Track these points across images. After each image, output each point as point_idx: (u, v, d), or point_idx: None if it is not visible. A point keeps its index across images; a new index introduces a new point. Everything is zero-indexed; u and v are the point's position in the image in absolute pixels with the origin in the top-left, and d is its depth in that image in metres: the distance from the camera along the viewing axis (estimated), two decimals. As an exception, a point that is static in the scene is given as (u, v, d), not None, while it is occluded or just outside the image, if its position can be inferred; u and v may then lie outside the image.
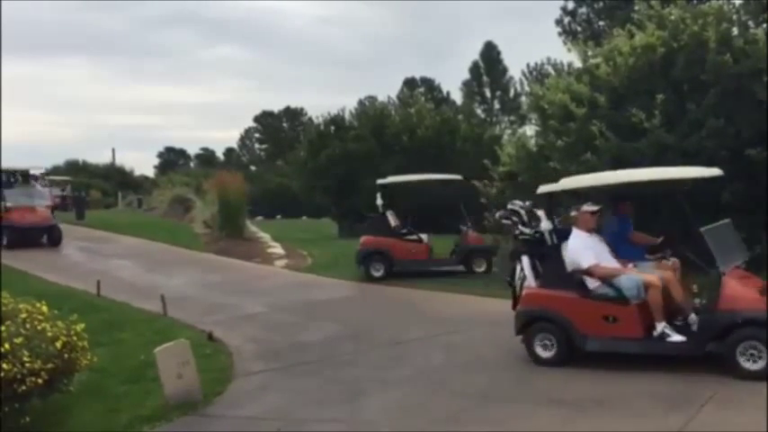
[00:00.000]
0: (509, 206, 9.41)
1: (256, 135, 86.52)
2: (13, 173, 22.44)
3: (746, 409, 6.64)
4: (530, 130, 19.85)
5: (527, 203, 9.38)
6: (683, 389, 7.28)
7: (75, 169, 54.66)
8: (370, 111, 29.24)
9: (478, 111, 53.17)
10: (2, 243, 19.95)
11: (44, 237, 21.29)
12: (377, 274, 15.27)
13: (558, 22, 34.17)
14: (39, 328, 6.86)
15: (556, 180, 14.22)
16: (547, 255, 8.59)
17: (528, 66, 53.13)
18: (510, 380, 8.09)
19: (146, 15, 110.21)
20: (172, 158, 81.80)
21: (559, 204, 9.51)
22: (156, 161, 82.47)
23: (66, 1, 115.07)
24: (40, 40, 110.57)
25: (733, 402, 6.90)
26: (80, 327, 7.22)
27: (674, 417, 6.55)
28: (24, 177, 22.51)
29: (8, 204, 20.45)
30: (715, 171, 8.54)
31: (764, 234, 12.66)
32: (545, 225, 8.69)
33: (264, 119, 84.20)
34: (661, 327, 7.94)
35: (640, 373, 7.89)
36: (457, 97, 56.30)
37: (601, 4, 32.80)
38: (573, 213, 8.72)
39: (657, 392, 7.24)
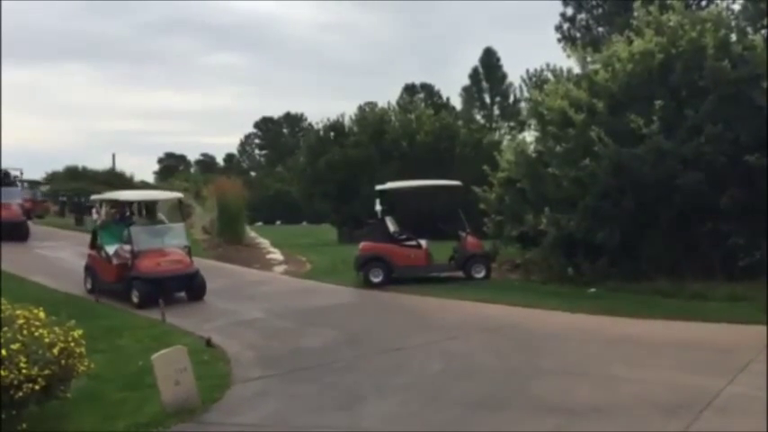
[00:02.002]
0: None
1: (256, 141, 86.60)
2: None
3: (745, 415, 6.63)
4: (529, 135, 19.90)
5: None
6: (682, 395, 7.26)
7: (74, 175, 54.56)
8: (369, 117, 29.27)
9: (478, 117, 53.22)
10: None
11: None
12: (376, 279, 15.25)
13: (558, 28, 34.23)
14: (36, 334, 6.83)
15: (555, 186, 14.29)
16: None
17: (527, 72, 53.16)
18: (508, 387, 8.07)
19: (146, 21, 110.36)
20: (172, 164, 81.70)
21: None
22: (157, 167, 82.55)
23: (67, 7, 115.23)
24: (41, 45, 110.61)
25: (732, 408, 6.88)
26: (78, 333, 7.19)
27: (673, 423, 6.54)
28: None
29: None
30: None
31: (764, 240, 12.66)
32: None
33: (264, 125, 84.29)
34: None
35: (639, 378, 7.88)
36: (456, 103, 56.33)
37: (600, 10, 32.86)
38: None
39: (656, 399, 7.22)
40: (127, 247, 14.08)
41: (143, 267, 13.66)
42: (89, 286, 14.82)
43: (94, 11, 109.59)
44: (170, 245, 14.57)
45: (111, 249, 14.50)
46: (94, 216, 15.15)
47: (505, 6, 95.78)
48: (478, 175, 17.98)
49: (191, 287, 14.13)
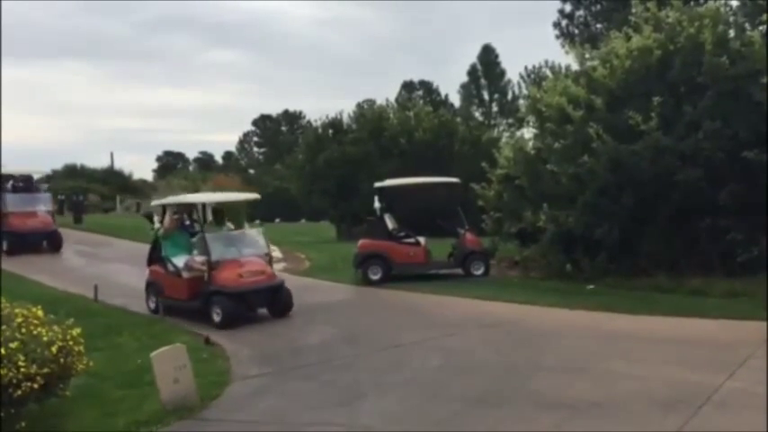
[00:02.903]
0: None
1: (255, 138, 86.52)
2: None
3: (744, 411, 6.63)
4: (527, 132, 19.89)
5: None
6: (681, 391, 7.27)
7: (73, 173, 54.48)
8: (368, 114, 29.27)
9: (476, 114, 53.24)
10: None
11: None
12: (375, 277, 15.25)
13: (556, 24, 34.22)
14: (34, 332, 6.83)
15: (553, 183, 14.31)
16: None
17: (526, 68, 53.24)
18: (507, 383, 8.07)
19: (145, 19, 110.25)
20: (171, 162, 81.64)
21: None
22: (155, 165, 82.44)
23: (67, 5, 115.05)
24: (40, 43, 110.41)
25: (731, 404, 6.89)
26: (76, 331, 7.19)
27: (672, 418, 6.54)
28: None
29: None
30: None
31: (764, 235, 12.66)
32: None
33: (263, 122, 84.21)
34: None
35: (638, 375, 7.89)
36: (455, 100, 56.39)
37: (598, 6, 32.85)
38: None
39: (655, 394, 7.23)
40: (200, 258, 12.21)
41: (224, 280, 11.66)
42: (153, 305, 12.89)
43: (94, 9, 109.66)
44: (248, 254, 12.58)
45: (179, 261, 12.56)
46: (156, 224, 13.06)
47: (504, 4, 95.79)
48: (477, 172, 17.98)
49: (274, 302, 12.28)
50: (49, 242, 20.56)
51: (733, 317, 10.46)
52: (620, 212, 13.71)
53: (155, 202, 14.50)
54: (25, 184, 21.46)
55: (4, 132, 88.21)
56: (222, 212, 13.50)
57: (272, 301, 12.27)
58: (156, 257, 13.10)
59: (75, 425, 7.33)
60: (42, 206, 21.00)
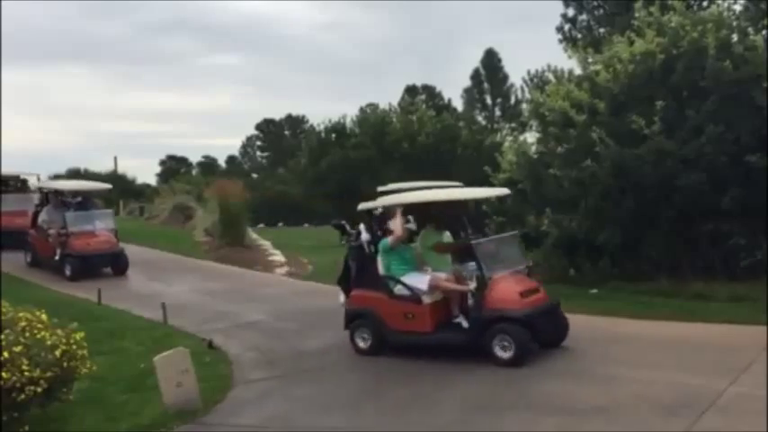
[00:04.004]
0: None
1: (258, 143, 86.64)
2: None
3: (747, 416, 6.63)
4: (530, 137, 19.86)
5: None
6: (684, 395, 7.26)
7: (76, 177, 54.64)
8: (371, 118, 29.32)
9: (479, 118, 53.19)
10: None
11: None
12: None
13: (559, 29, 34.16)
14: (38, 336, 6.85)
15: (557, 187, 14.31)
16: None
17: (528, 73, 53.14)
18: (510, 387, 8.07)
19: (146, 23, 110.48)
20: (174, 166, 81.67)
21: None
22: (158, 169, 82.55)
23: (68, 8, 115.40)
24: (40, 47, 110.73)
25: (734, 409, 6.88)
26: (80, 335, 7.21)
27: (675, 423, 6.54)
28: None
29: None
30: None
31: (765, 239, 12.66)
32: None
33: (266, 126, 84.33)
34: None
35: (640, 379, 7.88)
36: (458, 104, 56.39)
37: (601, 11, 32.83)
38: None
39: (658, 399, 7.23)
40: (443, 275, 9.46)
41: (505, 302, 8.91)
42: (366, 343, 9.72)
43: (95, 12, 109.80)
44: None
45: (415, 281, 9.44)
46: (364, 236, 10.03)
47: (506, 8, 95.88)
48: (480, 176, 17.96)
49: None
50: (113, 265, 17.35)
51: (736, 321, 10.45)
52: (623, 216, 13.70)
53: (362, 206, 10.47)
54: (83, 200, 18.56)
55: (4, 136, 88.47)
56: (462, 214, 10.96)
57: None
58: (363, 278, 9.94)
59: (77, 429, 7.34)
60: (103, 224, 17.81)
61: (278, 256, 21.16)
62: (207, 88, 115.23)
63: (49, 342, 6.82)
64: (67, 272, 16.59)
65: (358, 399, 7.89)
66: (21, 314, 7.12)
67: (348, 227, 10.75)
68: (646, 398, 7.29)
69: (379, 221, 10.26)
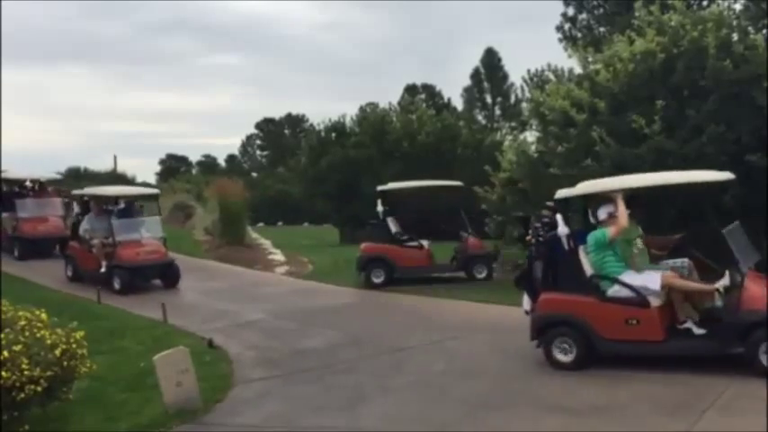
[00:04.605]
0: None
1: (258, 142, 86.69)
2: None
3: (748, 415, 6.62)
4: (530, 136, 19.86)
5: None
6: (685, 394, 7.26)
7: (76, 177, 54.64)
8: (371, 117, 29.28)
9: (479, 117, 53.21)
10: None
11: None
12: (377, 280, 15.24)
13: (559, 28, 34.16)
14: (38, 335, 6.85)
15: (556, 186, 14.23)
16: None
17: (528, 72, 53.07)
18: (510, 386, 8.07)
19: (146, 22, 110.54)
20: (173, 165, 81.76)
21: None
22: (158, 168, 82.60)
23: (67, 8, 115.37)
24: (40, 47, 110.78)
25: (735, 408, 6.88)
26: (80, 334, 7.20)
27: (676, 423, 6.54)
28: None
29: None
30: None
31: (765, 239, 12.64)
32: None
33: (266, 125, 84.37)
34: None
35: (641, 378, 7.87)
36: (458, 103, 56.37)
37: (601, 10, 32.82)
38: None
39: (659, 398, 7.22)
40: (670, 273, 8.35)
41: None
42: (565, 358, 8.42)
43: (95, 12, 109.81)
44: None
45: (640, 280, 8.20)
46: (562, 229, 8.59)
47: (506, 7, 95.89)
48: (480, 175, 17.97)
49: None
50: (164, 276, 15.64)
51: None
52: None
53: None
54: (127, 206, 16.80)
55: (4, 136, 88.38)
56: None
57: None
58: (559, 279, 8.63)
59: (77, 428, 7.34)
60: (151, 232, 16.09)
61: (278, 255, 21.16)
62: (207, 88, 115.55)
63: (48, 341, 6.81)
64: (116, 285, 14.85)
65: (358, 398, 7.88)
66: (21, 313, 7.12)
67: (531, 219, 9.65)
68: (647, 397, 7.28)
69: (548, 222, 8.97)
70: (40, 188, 21.10)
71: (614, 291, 8.23)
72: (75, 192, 18.01)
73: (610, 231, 8.19)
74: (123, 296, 14.33)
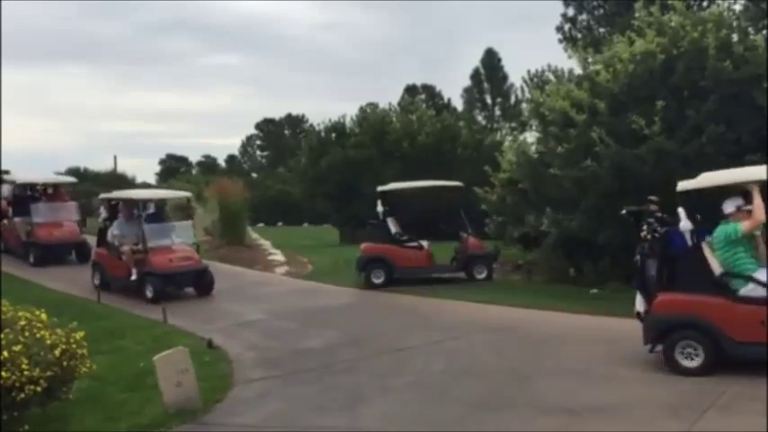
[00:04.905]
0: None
1: (258, 142, 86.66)
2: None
3: (748, 415, 6.62)
4: (530, 136, 19.89)
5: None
6: (685, 395, 7.26)
7: (76, 176, 54.65)
8: (370, 117, 29.29)
9: (479, 117, 53.17)
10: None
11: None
12: (377, 281, 15.24)
13: (559, 28, 34.14)
14: (38, 335, 6.84)
15: (556, 186, 14.26)
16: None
17: (528, 72, 53.02)
18: (510, 387, 8.06)
19: (146, 22, 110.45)
20: (173, 165, 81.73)
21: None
22: (158, 168, 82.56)
23: (67, 8, 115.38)
24: (40, 47, 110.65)
25: (736, 408, 6.87)
26: (80, 334, 7.20)
27: (676, 423, 6.53)
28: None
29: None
30: None
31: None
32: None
33: (266, 126, 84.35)
34: None
35: (641, 379, 7.87)
36: (458, 104, 56.35)
37: (601, 11, 32.82)
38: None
39: (659, 399, 7.22)
40: None
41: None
42: (690, 364, 7.86)
43: (95, 12, 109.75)
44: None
45: None
46: (684, 224, 8.00)
47: (506, 7, 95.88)
48: (480, 175, 17.99)
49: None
50: (197, 283, 14.77)
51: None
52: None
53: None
54: (157, 210, 16.31)
55: (4, 136, 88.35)
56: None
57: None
58: (679, 278, 8.04)
59: (77, 428, 7.33)
60: (182, 237, 15.32)
61: (278, 256, 21.16)
62: (207, 88, 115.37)
63: (48, 341, 6.81)
64: (148, 293, 14.07)
65: (358, 398, 7.88)
66: (20, 313, 7.11)
67: (646, 213, 8.78)
68: (646, 397, 7.28)
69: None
70: (55, 192, 20.06)
71: (748, 290, 7.61)
72: (103, 195, 16.98)
73: (743, 226, 7.55)
74: (127, 298, 14.28)
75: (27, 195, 19.77)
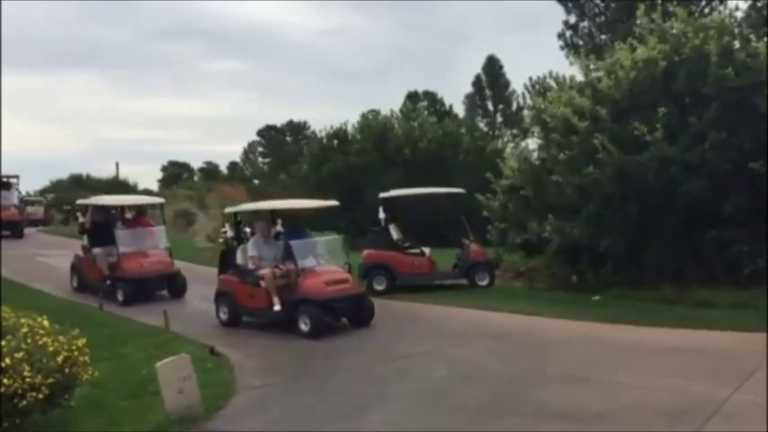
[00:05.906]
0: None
1: (259, 149, 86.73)
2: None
3: (752, 423, 6.60)
4: (532, 143, 19.91)
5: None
6: (688, 402, 7.24)
7: (79, 183, 54.66)
8: (372, 124, 29.35)
9: (481, 124, 53.30)
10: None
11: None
12: (379, 287, 15.23)
13: (560, 35, 34.25)
14: (40, 342, 6.85)
15: (558, 193, 14.30)
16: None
17: (530, 79, 53.20)
18: (512, 393, 8.05)
19: (148, 28, 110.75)
20: (175, 172, 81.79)
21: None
22: (160, 175, 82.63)
23: (69, 13, 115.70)
24: (42, 53, 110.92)
25: (738, 416, 6.85)
26: (81, 341, 7.20)
27: (679, 430, 6.51)
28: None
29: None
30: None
31: (766, 246, 12.63)
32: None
33: (268, 132, 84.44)
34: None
35: (643, 386, 7.85)
36: (460, 111, 56.42)
37: (603, 18, 32.90)
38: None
39: (661, 406, 7.20)
40: None
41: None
42: None
43: (98, 17, 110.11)
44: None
45: None
46: None
47: (508, 14, 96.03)
48: (482, 182, 17.99)
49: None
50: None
51: (739, 328, 10.42)
52: (626, 223, 13.69)
53: None
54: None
55: (5, 142, 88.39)
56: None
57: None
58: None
59: (79, 435, 7.33)
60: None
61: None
62: (209, 94, 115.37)
63: (50, 348, 6.81)
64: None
65: (360, 405, 7.86)
66: (23, 320, 7.11)
67: None
68: (648, 404, 7.26)
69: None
70: (138, 215, 17.02)
71: None
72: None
73: None
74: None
75: (107, 222, 16.32)
